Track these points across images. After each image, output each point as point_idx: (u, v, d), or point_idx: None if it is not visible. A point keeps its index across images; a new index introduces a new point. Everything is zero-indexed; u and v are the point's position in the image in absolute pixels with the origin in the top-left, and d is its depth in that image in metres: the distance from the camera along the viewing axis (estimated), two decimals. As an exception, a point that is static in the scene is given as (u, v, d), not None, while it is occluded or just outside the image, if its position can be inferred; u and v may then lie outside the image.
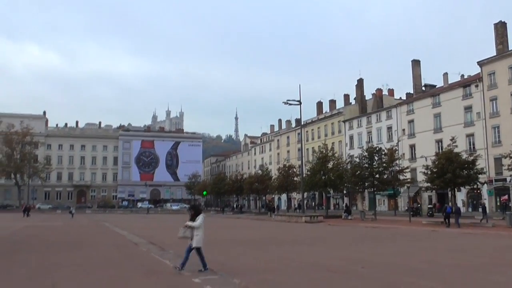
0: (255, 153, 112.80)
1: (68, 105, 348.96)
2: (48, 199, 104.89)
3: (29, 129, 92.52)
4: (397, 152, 54.02)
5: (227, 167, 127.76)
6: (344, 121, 77.90)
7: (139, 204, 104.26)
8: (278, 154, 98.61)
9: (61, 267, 13.62)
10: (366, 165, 48.75)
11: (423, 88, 68.14)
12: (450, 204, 40.66)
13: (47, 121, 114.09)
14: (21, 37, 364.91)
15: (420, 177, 48.68)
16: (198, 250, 11.79)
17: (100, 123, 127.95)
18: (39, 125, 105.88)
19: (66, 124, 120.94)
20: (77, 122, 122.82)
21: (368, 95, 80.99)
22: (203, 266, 11.83)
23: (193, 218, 11.82)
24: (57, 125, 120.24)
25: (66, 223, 43.13)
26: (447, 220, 34.23)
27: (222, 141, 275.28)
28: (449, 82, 62.56)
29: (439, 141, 57.24)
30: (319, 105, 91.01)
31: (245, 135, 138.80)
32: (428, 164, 41.36)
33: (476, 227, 33.08)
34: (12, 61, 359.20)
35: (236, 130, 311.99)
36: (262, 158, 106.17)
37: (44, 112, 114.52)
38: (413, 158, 61.81)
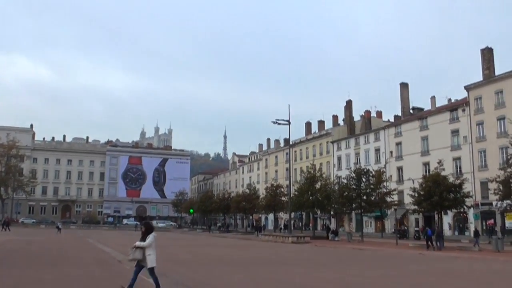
0: (243, 172, 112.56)
1: (56, 119, 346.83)
2: (32, 213, 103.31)
3: (15, 142, 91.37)
4: (384, 174, 54.06)
5: (215, 185, 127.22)
6: (333, 142, 78.13)
7: (125, 221, 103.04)
8: (266, 173, 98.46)
9: (41, 284, 13.30)
10: (354, 187, 48.74)
11: (411, 111, 68.69)
12: (436, 227, 40.83)
13: (34, 134, 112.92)
14: (10, 49, 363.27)
15: (407, 199, 48.75)
16: (152, 270, 11.16)
17: (87, 137, 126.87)
18: (26, 138, 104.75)
19: (53, 138, 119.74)
20: (64, 136, 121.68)
21: (356, 116, 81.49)
22: (156, 287, 11.18)
23: (144, 236, 11.17)
24: (44, 138, 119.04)
25: (49, 238, 42.38)
26: (429, 242, 34.51)
27: (210, 159, 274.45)
28: (437, 106, 63.16)
29: (426, 164, 57.51)
30: (308, 125, 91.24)
31: (234, 154, 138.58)
32: (416, 186, 41.48)
33: (462, 251, 33.08)
34: (1, 73, 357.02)
35: (225, 148, 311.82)
36: (250, 177, 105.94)
37: (31, 125, 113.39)
38: (400, 180, 61.95)
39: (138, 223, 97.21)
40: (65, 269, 17.30)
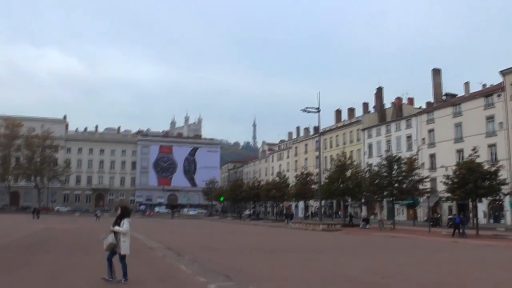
0: (272, 160, 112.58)
1: (88, 110, 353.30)
2: (67, 201, 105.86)
3: (49, 133, 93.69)
4: (416, 161, 53.18)
5: (245, 174, 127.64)
6: (363, 130, 77.28)
7: (157, 209, 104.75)
8: (296, 161, 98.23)
9: (75, 269, 13.55)
10: (385, 174, 48.10)
11: (444, 97, 67.24)
12: (461, 215, 40.16)
13: (67, 125, 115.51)
14: (43, 42, 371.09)
15: (440, 187, 47.90)
16: (123, 258, 10.86)
17: (119, 128, 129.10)
18: (60, 129, 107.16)
19: (85, 128, 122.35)
20: (96, 127, 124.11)
21: (387, 104, 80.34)
22: (123, 276, 10.88)
23: (118, 220, 10.79)
24: (77, 129, 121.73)
25: (84, 226, 43.25)
26: (457, 230, 34.45)
27: (240, 147, 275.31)
28: (471, 92, 61.63)
29: (460, 151, 56.33)
30: (338, 113, 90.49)
31: (263, 142, 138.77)
32: (449, 174, 40.59)
33: (498, 239, 32.36)
34: (34, 66, 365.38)
35: (254, 137, 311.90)
36: (280, 165, 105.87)
37: (65, 116, 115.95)
38: (433, 167, 60.89)
39: (170, 210, 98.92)
40: (99, 256, 17.56)
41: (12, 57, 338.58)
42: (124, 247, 10.73)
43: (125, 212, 11.09)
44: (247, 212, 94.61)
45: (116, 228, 10.70)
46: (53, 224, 45.68)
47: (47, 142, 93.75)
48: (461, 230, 34.33)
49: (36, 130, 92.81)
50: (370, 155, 74.52)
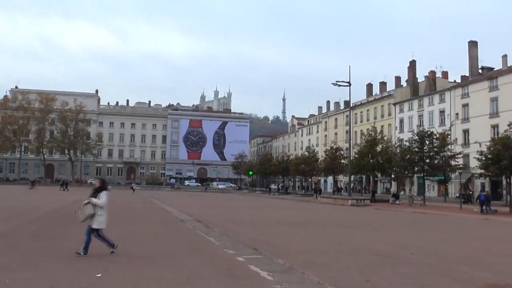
0: (302, 135, 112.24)
1: (119, 84, 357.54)
2: (99, 174, 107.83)
3: (82, 107, 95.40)
4: (449, 136, 52.15)
5: (274, 148, 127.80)
6: (395, 104, 76.00)
7: (187, 182, 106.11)
8: (326, 136, 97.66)
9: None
10: (416, 149, 47.35)
11: (480, 71, 65.32)
12: (486, 192, 39.42)
13: (99, 99, 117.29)
14: (74, 15, 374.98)
15: (473, 163, 46.94)
16: (98, 232, 10.50)
17: (149, 102, 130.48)
18: (92, 103, 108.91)
19: (117, 103, 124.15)
20: (127, 101, 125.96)
21: (420, 77, 78.65)
22: (111, 247, 10.70)
23: (95, 193, 10.54)
24: (108, 103, 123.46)
25: (116, 199, 44.09)
26: (482, 207, 34.04)
27: (269, 122, 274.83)
28: (509, 65, 59.63)
29: (495, 127, 54.91)
30: (369, 87, 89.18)
31: (293, 116, 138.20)
32: (483, 150, 39.70)
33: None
34: (66, 39, 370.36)
35: (284, 111, 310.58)
36: (309, 140, 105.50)
37: (97, 91, 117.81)
38: (466, 143, 59.67)
39: (199, 184, 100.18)
40: (132, 227, 17.96)
41: (45, 31, 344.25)
42: (98, 221, 10.39)
43: (103, 185, 10.87)
44: (275, 186, 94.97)
45: (94, 200, 10.41)
46: (86, 196, 46.75)
47: (80, 116, 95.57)
48: (487, 207, 33.83)
49: (69, 104, 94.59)
50: (401, 130, 73.45)
